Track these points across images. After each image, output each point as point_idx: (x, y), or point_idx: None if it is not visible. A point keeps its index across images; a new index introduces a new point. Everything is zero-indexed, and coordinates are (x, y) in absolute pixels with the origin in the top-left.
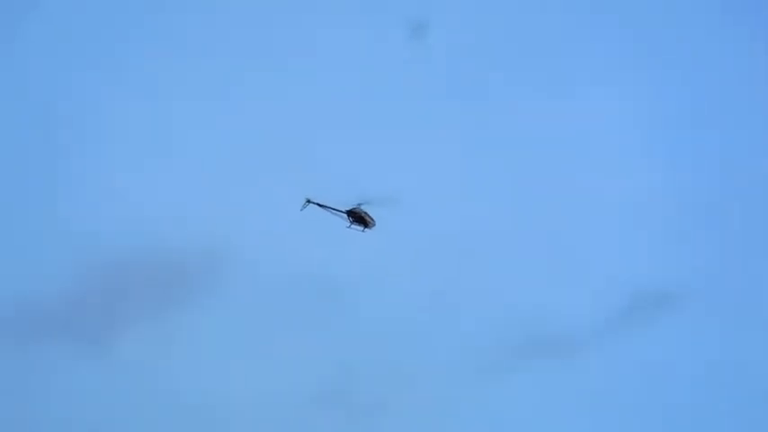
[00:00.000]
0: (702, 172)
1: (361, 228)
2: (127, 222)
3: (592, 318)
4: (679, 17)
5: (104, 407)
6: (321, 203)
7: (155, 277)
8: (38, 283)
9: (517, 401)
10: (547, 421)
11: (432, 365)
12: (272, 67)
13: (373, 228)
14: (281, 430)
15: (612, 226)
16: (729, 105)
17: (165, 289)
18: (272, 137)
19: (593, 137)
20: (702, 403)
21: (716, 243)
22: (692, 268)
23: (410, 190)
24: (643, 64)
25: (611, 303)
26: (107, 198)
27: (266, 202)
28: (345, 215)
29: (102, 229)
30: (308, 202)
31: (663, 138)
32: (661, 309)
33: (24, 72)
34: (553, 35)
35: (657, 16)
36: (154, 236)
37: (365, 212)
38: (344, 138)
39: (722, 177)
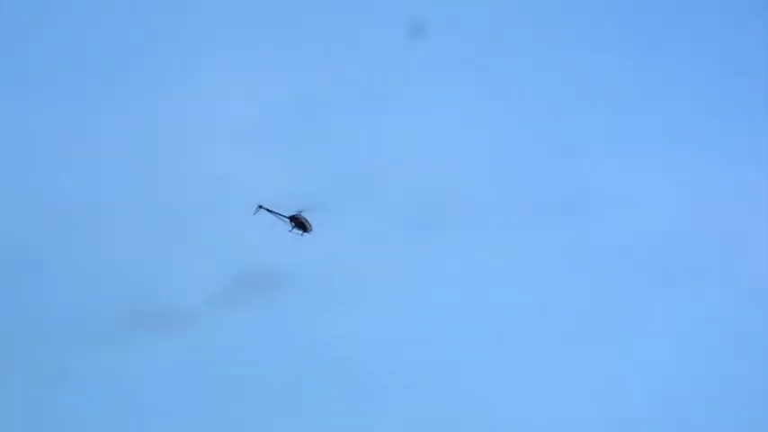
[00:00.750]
0: (325, 157)
1: (300, 232)
2: None
3: (201, 292)
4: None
5: None
6: (270, 209)
7: None
8: None
9: (124, 373)
10: (154, 394)
11: (37, 334)
12: None
13: (311, 232)
14: None
15: (232, 205)
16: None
17: None
18: None
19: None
20: (299, 384)
21: (332, 228)
22: (302, 251)
23: None
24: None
25: (220, 279)
26: None
27: None
28: (288, 220)
29: None
30: (260, 207)
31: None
32: (270, 287)
33: None
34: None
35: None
36: None
37: (305, 218)
38: None
39: (346, 167)
